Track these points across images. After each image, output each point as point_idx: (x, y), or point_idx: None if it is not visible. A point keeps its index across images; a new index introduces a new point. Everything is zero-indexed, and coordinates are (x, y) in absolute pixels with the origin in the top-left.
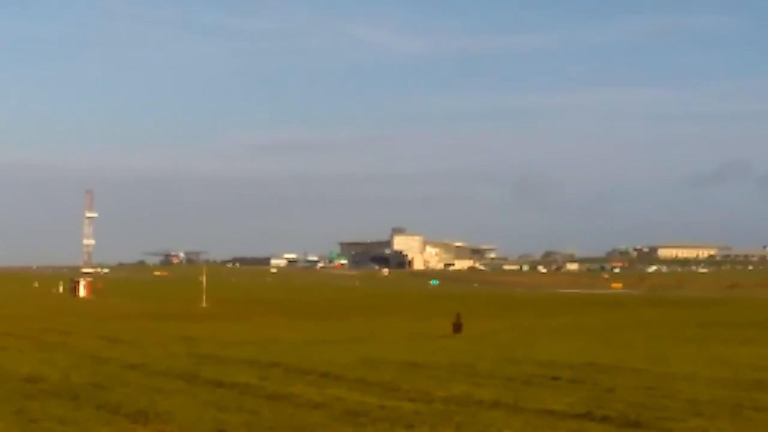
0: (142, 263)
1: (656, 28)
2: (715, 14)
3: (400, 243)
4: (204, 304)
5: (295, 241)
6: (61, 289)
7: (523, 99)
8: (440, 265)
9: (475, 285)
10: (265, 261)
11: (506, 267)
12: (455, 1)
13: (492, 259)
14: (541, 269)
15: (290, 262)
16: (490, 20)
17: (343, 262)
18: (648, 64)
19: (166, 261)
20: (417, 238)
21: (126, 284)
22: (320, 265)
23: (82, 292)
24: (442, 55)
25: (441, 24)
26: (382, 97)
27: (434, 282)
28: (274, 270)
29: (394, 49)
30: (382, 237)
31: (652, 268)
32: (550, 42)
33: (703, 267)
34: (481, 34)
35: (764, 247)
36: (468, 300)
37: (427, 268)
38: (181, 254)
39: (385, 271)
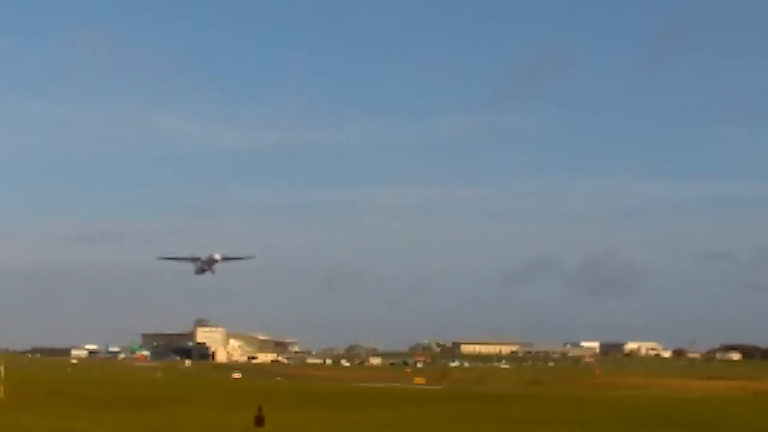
0: None
1: (468, 126)
2: (525, 114)
3: (203, 335)
4: (1, 394)
5: (97, 332)
6: None
7: (336, 193)
8: (243, 358)
9: (278, 378)
10: (66, 351)
11: (309, 360)
12: (273, 95)
13: (295, 352)
14: (345, 363)
15: (91, 353)
16: (307, 115)
17: (145, 353)
18: (459, 161)
19: (199, 270)
20: (220, 330)
21: None
22: (122, 356)
23: None
24: (257, 149)
25: (258, 118)
26: (194, 189)
27: None
28: (74, 361)
29: (209, 142)
30: (186, 329)
31: (455, 363)
32: (363, 138)
33: (504, 363)
34: (297, 128)
35: (565, 345)
36: (271, 393)
37: (230, 360)
38: (217, 256)
39: (187, 362)
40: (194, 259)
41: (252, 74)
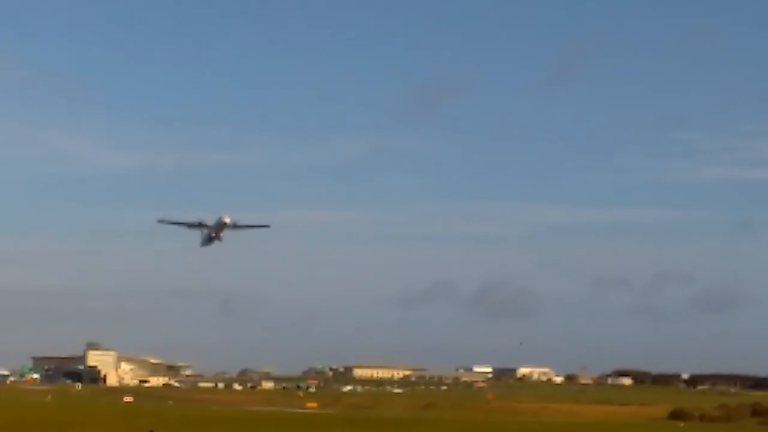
0: None
1: (366, 150)
2: (423, 138)
3: (94, 358)
4: None
5: None
6: None
7: (232, 216)
8: (135, 381)
9: (170, 402)
10: None
11: (202, 384)
12: (170, 118)
13: (187, 376)
14: (237, 387)
15: None
16: (204, 138)
17: (36, 376)
18: (356, 185)
19: (206, 239)
20: (111, 353)
21: None
22: (11, 379)
23: None
24: (153, 172)
25: (155, 140)
26: (87, 211)
27: None
28: None
29: (104, 164)
30: (77, 352)
31: (347, 388)
32: (260, 161)
33: (397, 387)
34: (194, 151)
35: (458, 369)
36: (162, 417)
37: (122, 384)
38: (227, 219)
39: (78, 386)
40: (200, 225)
41: (148, 96)
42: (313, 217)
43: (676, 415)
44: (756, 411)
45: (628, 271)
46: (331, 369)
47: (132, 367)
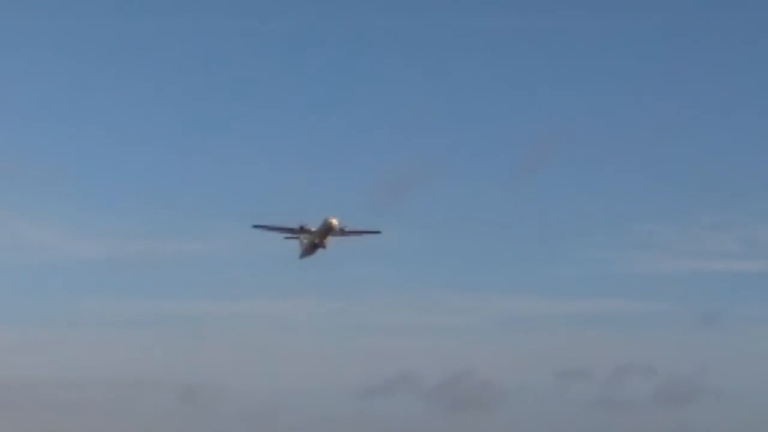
0: None
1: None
2: (386, 226)
3: None
4: None
5: None
6: None
7: (194, 305)
8: None
9: None
10: None
11: None
12: (133, 204)
13: None
14: None
15: None
16: (165, 223)
17: None
18: (318, 273)
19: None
20: None
21: None
22: None
23: None
24: (119, 260)
25: (120, 227)
26: (46, 300)
27: None
28: None
29: (67, 253)
30: None
31: None
32: (224, 249)
33: None
34: (155, 237)
35: None
36: None
37: None
38: (335, 221)
39: None
40: (302, 230)
41: (112, 183)
42: (275, 306)
43: None
44: None
45: (590, 364)
46: None
47: None
